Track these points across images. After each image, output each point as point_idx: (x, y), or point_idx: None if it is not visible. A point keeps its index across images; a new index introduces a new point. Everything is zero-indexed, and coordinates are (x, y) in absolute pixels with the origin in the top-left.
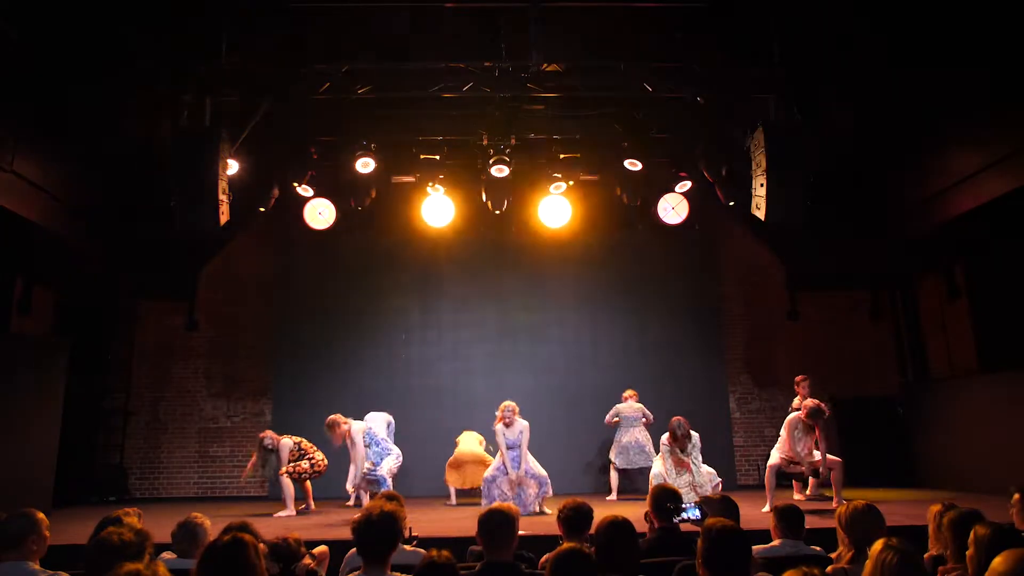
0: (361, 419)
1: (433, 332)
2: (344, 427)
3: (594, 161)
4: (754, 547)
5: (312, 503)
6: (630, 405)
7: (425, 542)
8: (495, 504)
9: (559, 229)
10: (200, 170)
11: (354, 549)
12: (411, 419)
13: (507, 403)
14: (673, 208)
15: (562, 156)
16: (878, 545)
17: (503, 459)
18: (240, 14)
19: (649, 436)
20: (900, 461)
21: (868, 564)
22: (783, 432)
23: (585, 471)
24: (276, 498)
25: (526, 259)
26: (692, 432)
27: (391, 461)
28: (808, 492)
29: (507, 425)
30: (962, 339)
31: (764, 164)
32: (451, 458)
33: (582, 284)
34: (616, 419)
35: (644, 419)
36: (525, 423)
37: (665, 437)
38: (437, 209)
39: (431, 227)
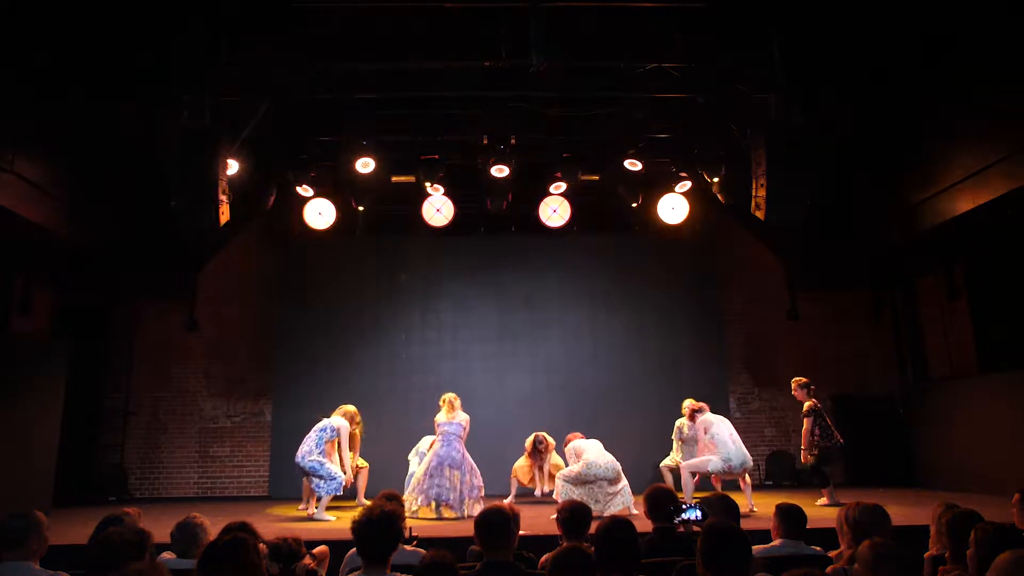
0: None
1: (433, 332)
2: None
3: (594, 161)
4: (754, 547)
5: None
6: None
7: (425, 542)
8: (494, 504)
9: (559, 229)
10: (200, 170)
11: (354, 549)
12: (411, 419)
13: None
14: (673, 208)
15: (563, 156)
16: (864, 548)
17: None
18: (241, 14)
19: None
20: (900, 461)
21: (857, 567)
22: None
23: None
24: (276, 498)
25: (526, 259)
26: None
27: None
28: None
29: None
30: (962, 339)
31: (764, 164)
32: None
33: (582, 284)
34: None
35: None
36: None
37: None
38: (435, 210)
39: (431, 227)
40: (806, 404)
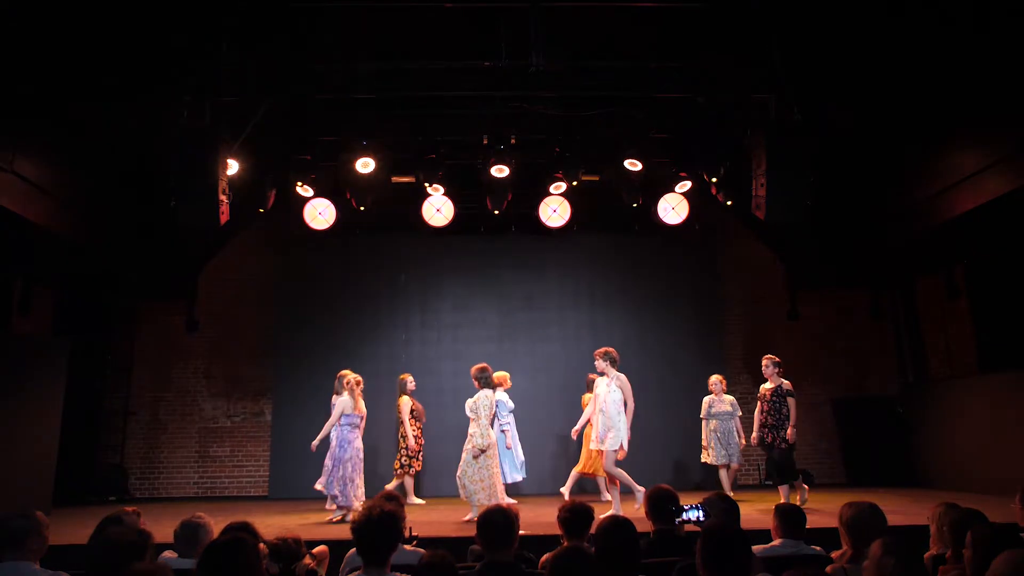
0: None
1: (433, 332)
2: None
3: (594, 161)
4: (754, 547)
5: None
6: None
7: (425, 542)
8: (495, 504)
9: (559, 229)
10: (200, 170)
11: (354, 549)
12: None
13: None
14: (673, 208)
15: (563, 156)
16: (876, 547)
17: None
18: (240, 14)
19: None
20: (900, 461)
21: (867, 564)
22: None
23: None
24: (276, 498)
25: (526, 259)
26: None
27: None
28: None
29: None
30: (962, 339)
31: (764, 164)
32: None
33: (582, 284)
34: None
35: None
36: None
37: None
38: (435, 210)
39: (431, 227)
40: (785, 383)
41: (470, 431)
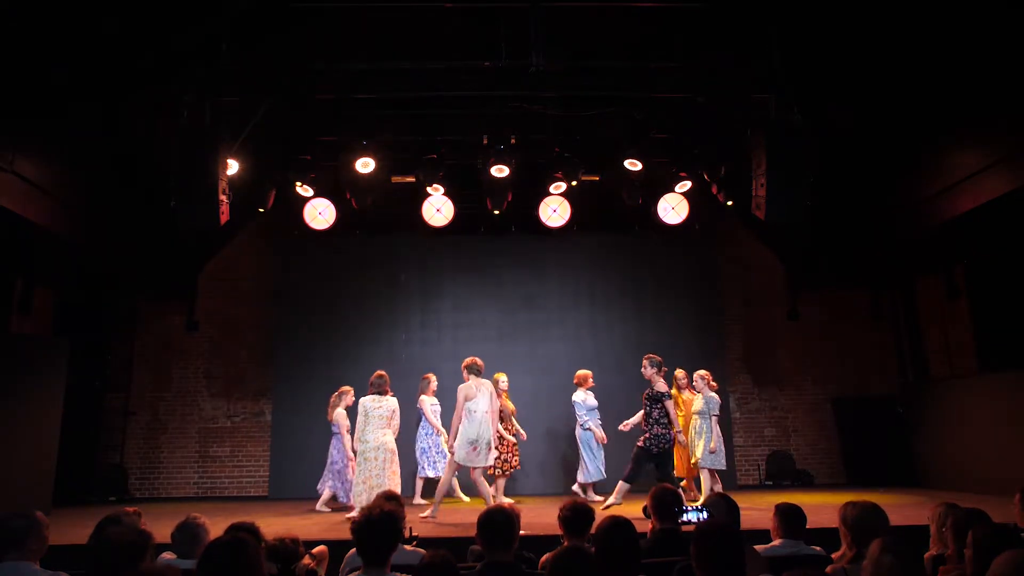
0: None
1: (433, 332)
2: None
3: (594, 161)
4: (755, 547)
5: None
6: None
7: (425, 542)
8: (495, 504)
9: (559, 229)
10: (200, 170)
11: (354, 549)
12: (410, 419)
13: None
14: (673, 208)
15: (563, 156)
16: (875, 546)
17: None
18: (240, 14)
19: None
20: (900, 461)
21: (866, 564)
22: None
23: None
24: (276, 498)
25: (526, 259)
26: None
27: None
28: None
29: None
30: (962, 339)
31: (764, 164)
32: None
33: (582, 284)
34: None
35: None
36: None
37: None
38: (435, 210)
39: (431, 227)
40: (658, 386)
41: None
